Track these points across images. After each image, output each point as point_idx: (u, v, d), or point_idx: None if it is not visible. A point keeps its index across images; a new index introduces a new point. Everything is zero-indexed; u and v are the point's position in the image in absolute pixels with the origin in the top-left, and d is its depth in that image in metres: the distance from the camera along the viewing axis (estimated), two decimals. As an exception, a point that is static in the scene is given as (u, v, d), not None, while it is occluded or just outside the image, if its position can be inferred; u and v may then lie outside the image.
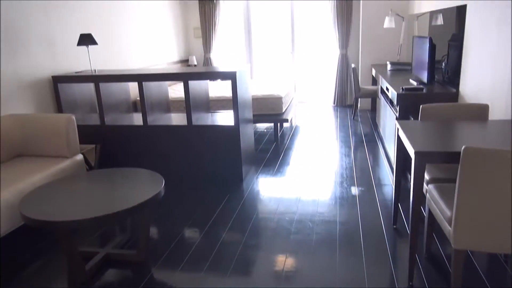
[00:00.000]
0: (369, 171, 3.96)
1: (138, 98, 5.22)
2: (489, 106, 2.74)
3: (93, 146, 4.30)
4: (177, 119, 4.12)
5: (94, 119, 4.20)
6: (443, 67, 4.14)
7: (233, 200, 3.46)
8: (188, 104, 3.72)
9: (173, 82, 6.62)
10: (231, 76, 3.59)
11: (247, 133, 4.03)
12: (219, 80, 6.49)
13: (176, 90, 5.80)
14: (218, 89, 5.76)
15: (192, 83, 3.79)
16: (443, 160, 2.01)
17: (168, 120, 4.08)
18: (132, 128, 3.95)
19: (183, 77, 3.67)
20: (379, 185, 3.61)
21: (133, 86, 5.12)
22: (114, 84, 4.15)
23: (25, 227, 3.07)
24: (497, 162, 1.74)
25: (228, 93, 5.29)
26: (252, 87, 5.67)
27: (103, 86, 3.95)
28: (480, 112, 2.71)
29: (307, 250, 2.62)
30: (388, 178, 3.78)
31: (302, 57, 7.55)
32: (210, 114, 4.30)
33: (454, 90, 3.64)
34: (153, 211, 3.31)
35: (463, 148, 1.78)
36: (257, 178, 3.97)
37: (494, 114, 2.81)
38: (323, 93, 7.68)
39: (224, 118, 4.11)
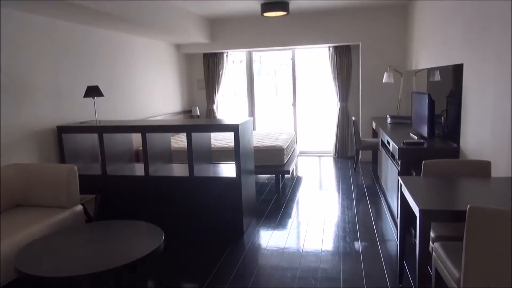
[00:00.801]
0: (372, 225, 3.90)
1: (141, 148, 5.26)
2: (491, 162, 2.74)
3: (94, 196, 4.27)
4: (179, 170, 4.12)
5: (96, 169, 4.21)
6: (442, 121, 4.20)
7: (234, 254, 3.37)
8: (191, 155, 3.74)
9: (176, 133, 6.70)
10: (234, 129, 3.63)
11: (249, 184, 4.02)
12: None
13: (179, 140, 5.86)
14: (221, 140, 5.82)
15: (195, 135, 3.83)
16: (448, 219, 1.98)
17: (169, 171, 4.08)
18: (133, 179, 3.94)
19: (187, 129, 3.72)
20: (383, 240, 3.54)
21: (136, 136, 5.17)
22: (117, 134, 4.20)
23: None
24: (502, 221, 1.71)
25: (231, 144, 5.33)
26: (254, 138, 5.73)
27: (106, 136, 3.99)
28: (482, 168, 2.71)
29: (310, 310, 2.52)
30: (391, 232, 3.71)
31: (303, 109, 7.70)
32: (212, 165, 4.31)
33: (455, 145, 3.67)
34: (152, 265, 3.22)
35: (468, 207, 1.76)
36: (258, 230, 3.90)
37: (497, 171, 2.81)
38: (324, 144, 7.75)
39: (226, 169, 4.11)
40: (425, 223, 2.01)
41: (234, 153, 3.68)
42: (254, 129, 7.75)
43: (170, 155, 4.35)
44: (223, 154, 5.19)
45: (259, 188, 5.46)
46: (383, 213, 4.26)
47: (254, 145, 5.22)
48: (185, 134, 6.03)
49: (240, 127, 3.66)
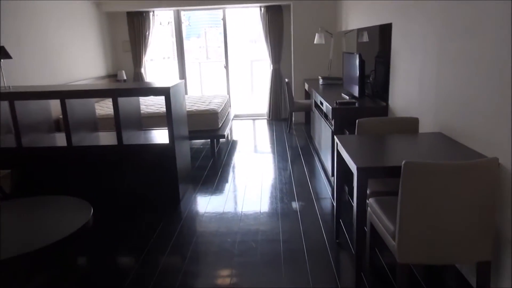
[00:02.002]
0: (308, 185, 3.97)
1: (61, 116, 4.81)
2: (419, 119, 2.86)
3: (9, 171, 3.85)
4: (106, 138, 3.83)
5: (10, 141, 3.77)
6: (372, 81, 4.32)
7: (171, 223, 3.26)
8: (118, 122, 3.47)
9: (101, 98, 6.22)
10: (164, 92, 3.41)
11: (183, 150, 3.86)
12: (151, 96, 6.22)
13: (104, 107, 5.45)
14: (151, 105, 5.51)
15: (122, 100, 3.55)
16: (385, 175, 2.02)
17: (96, 140, 3.78)
18: (54, 150, 3.59)
19: (112, 94, 3.42)
20: (319, 199, 3.63)
21: (55, 104, 4.70)
22: (32, 102, 3.76)
23: None
24: (436, 174, 1.77)
25: (162, 109, 5.07)
26: (187, 103, 5.50)
27: (19, 104, 3.56)
28: (410, 125, 2.82)
29: (252, 273, 2.51)
30: (326, 190, 3.81)
31: (236, 71, 7.54)
32: (142, 132, 4.06)
33: (384, 104, 3.79)
34: (83, 242, 3.00)
35: (403, 162, 1.80)
36: (195, 197, 3.80)
37: (423, 127, 2.94)
38: (258, 107, 7.72)
39: (158, 135, 3.90)
40: (363, 180, 2.04)
41: (166, 119, 3.48)
42: (186, 93, 7.47)
43: (95, 123, 4.02)
44: (154, 120, 4.93)
45: (194, 154, 5.31)
46: (317, 172, 4.35)
47: (187, 109, 5.01)
48: (111, 99, 5.62)
49: (171, 90, 3.44)
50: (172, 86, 3.49)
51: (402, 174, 1.81)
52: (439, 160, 2.09)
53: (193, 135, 4.93)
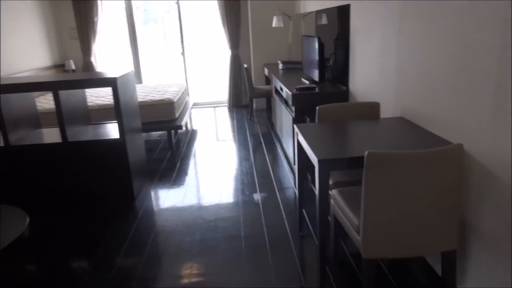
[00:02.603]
0: (270, 175, 3.84)
1: None
2: (380, 103, 2.77)
3: None
4: (50, 135, 3.51)
5: None
6: (331, 65, 4.21)
7: (126, 223, 3.03)
8: (61, 118, 3.17)
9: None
10: (111, 83, 3.14)
11: (136, 144, 3.61)
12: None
13: (50, 101, 5.05)
14: (102, 96, 5.17)
15: (65, 93, 3.24)
16: (347, 167, 1.90)
17: (37, 138, 3.45)
18: (-10, 150, 3.24)
19: (51, 87, 3.10)
20: (282, 189, 3.51)
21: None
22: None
23: None
24: (400, 164, 1.67)
25: (112, 101, 4.75)
26: (141, 93, 5.20)
27: None
28: (372, 110, 2.72)
29: (213, 273, 2.35)
30: (289, 179, 3.70)
31: (194, 58, 7.25)
32: (91, 127, 3.77)
33: (345, 88, 3.70)
34: (26, 253, 2.72)
35: (366, 153, 1.68)
36: (152, 193, 3.58)
37: (384, 112, 2.86)
38: (218, 95, 7.49)
39: (108, 130, 3.63)
40: (324, 173, 1.91)
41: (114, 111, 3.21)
42: (140, 82, 7.12)
43: (36, 119, 3.68)
44: (106, 112, 4.61)
45: (150, 146, 5.05)
46: (279, 160, 4.23)
47: (141, 100, 4.73)
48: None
49: (119, 81, 3.17)
50: (120, 76, 3.22)
51: (365, 166, 1.69)
52: (402, 147, 1.99)
53: (148, 127, 4.66)
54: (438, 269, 2.20)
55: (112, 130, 3.59)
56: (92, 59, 6.77)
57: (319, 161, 1.87)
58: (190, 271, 2.40)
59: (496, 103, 1.64)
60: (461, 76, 1.87)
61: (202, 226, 2.93)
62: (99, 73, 3.50)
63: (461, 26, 1.85)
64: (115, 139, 3.27)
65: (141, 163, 3.73)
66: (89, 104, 4.61)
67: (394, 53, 2.63)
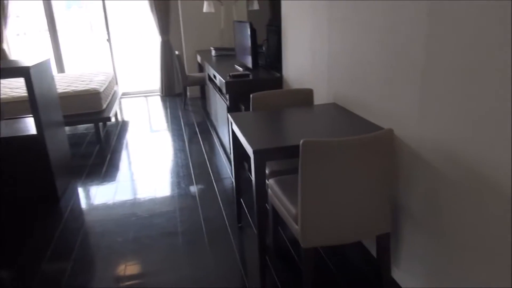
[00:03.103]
0: (207, 165, 3.74)
1: None
2: (313, 90, 2.77)
3: None
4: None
5: None
6: (264, 51, 4.17)
7: (49, 227, 2.78)
8: (-35, 113, 2.80)
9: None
10: (23, 73, 2.82)
11: (58, 139, 3.31)
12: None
13: (-46, 93, 4.47)
14: (16, 88, 4.68)
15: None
16: (283, 156, 1.86)
17: None
18: None
19: (-49, 78, 2.72)
20: (219, 179, 3.42)
21: None
22: None
23: None
24: (335, 151, 1.66)
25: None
26: (62, 83, 4.80)
27: None
28: (305, 96, 2.71)
29: (149, 273, 2.22)
30: (226, 169, 3.62)
31: (121, 45, 6.83)
32: (3, 122, 3.38)
33: (278, 75, 3.67)
34: None
35: (301, 142, 1.64)
36: (79, 191, 3.32)
37: (318, 98, 2.87)
38: (150, 83, 7.16)
39: (24, 125, 3.28)
40: (260, 163, 1.85)
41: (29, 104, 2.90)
42: (62, 71, 6.58)
43: None
44: (22, 106, 4.18)
45: (76, 141, 4.69)
46: (216, 150, 4.14)
47: (63, 90, 4.36)
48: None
49: (32, 70, 2.86)
50: (34, 65, 2.91)
51: (300, 154, 1.66)
52: (336, 134, 2.00)
53: (72, 120, 4.32)
54: (374, 251, 2.27)
55: (29, 125, 3.25)
56: (4, 46, 6.12)
57: (254, 151, 1.81)
58: (124, 274, 2.25)
59: (422, 89, 1.68)
60: (390, 63, 1.90)
61: (135, 224, 2.77)
62: (10, 61, 3.13)
63: (389, 13, 1.87)
64: (32, 135, 2.97)
65: (64, 160, 3.44)
66: (3, 96, 4.15)
67: (326, 40, 2.63)
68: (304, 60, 3.08)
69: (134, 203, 3.06)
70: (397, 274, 2.04)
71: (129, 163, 3.91)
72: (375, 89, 2.07)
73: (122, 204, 3.06)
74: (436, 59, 1.58)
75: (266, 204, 2.85)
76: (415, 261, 1.89)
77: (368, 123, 2.13)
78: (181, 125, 5.09)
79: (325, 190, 1.71)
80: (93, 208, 3.03)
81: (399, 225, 1.98)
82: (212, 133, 4.69)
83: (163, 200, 3.10)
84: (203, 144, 4.34)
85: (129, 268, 2.29)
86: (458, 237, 1.57)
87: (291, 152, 1.85)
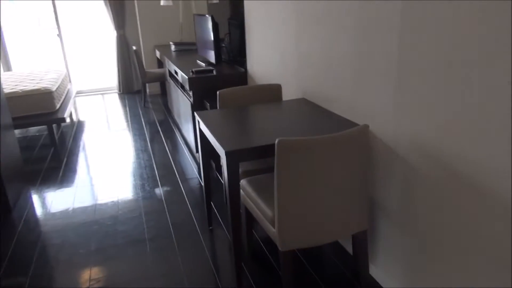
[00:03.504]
0: (172, 165, 3.59)
1: None
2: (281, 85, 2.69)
3: None
4: None
5: None
6: (226, 45, 4.05)
7: (1, 241, 2.54)
8: None
9: None
10: (-36, 73, 2.54)
11: (6, 143, 3.05)
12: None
13: None
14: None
15: None
16: (258, 156, 1.77)
17: None
18: None
19: None
20: (185, 180, 3.29)
21: None
22: None
23: None
24: (312, 150, 1.59)
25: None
26: (9, 82, 4.45)
27: None
28: (274, 92, 2.64)
29: (117, 285, 2.08)
30: (192, 169, 3.49)
31: (73, 40, 6.46)
32: None
33: (243, 70, 3.57)
34: None
35: (277, 141, 1.56)
36: (33, 200, 3.08)
37: (286, 93, 2.80)
38: (106, 80, 6.83)
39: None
40: (233, 165, 1.76)
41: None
42: (9, 69, 6.13)
43: None
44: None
45: (28, 144, 4.37)
46: (180, 149, 3.99)
47: (10, 90, 4.03)
48: None
49: (-26, 70, 2.59)
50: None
51: (276, 154, 1.58)
52: (310, 131, 1.93)
53: (23, 122, 4.01)
54: (350, 249, 2.24)
55: (-28, 130, 2.96)
56: None
57: (227, 153, 1.71)
58: (87, 289, 2.09)
59: (397, 83, 1.64)
60: (363, 58, 1.85)
61: (98, 232, 2.59)
62: None
63: (361, 6, 1.82)
64: (-23, 141, 2.70)
65: (15, 165, 3.18)
66: None
67: (294, 34, 2.56)
68: (270, 54, 3.00)
69: (96, 210, 2.87)
70: (375, 271, 2.02)
71: (88, 166, 3.68)
72: (348, 83, 2.02)
73: (83, 211, 2.86)
74: (410, 53, 1.54)
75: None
76: (392, 257, 1.87)
77: (340, 118, 2.08)
78: (142, 123, 4.88)
79: (302, 191, 1.64)
80: (50, 217, 2.81)
81: (376, 222, 1.95)
82: (175, 131, 4.52)
83: (127, 205, 2.93)
84: (166, 143, 4.17)
85: (93, 283, 2.13)
86: (435, 233, 1.55)
87: (265, 151, 1.76)
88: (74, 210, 2.89)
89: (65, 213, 2.85)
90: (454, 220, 1.46)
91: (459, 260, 1.46)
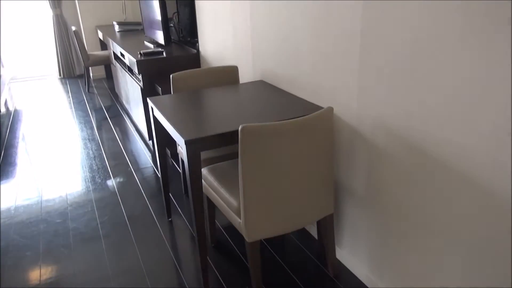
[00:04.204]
0: (123, 154, 3.39)
1: None
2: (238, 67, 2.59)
3: None
4: None
5: None
6: (175, 25, 3.84)
7: None
8: None
9: None
10: None
11: None
12: None
13: None
14: None
15: None
16: (219, 144, 1.68)
17: None
18: None
19: None
20: (139, 169, 3.12)
21: None
22: None
23: None
24: (278, 135, 1.52)
25: None
26: None
27: None
28: (231, 75, 2.53)
29: (69, 292, 1.93)
30: (145, 157, 3.32)
31: (4, 21, 5.88)
32: None
33: (195, 51, 3.41)
34: None
35: (240, 128, 1.47)
36: (-32, 201, 2.79)
37: (243, 75, 2.70)
38: (44, 64, 6.31)
39: None
40: (195, 155, 1.65)
41: None
42: None
43: None
44: None
45: (-42, 137, 3.95)
46: (131, 136, 3.78)
47: None
48: None
49: None
50: None
51: (240, 141, 1.49)
52: (272, 114, 1.86)
53: (-51, 113, 3.60)
54: (314, 233, 2.22)
55: None
56: None
57: (187, 142, 1.59)
58: (38, 295, 1.92)
59: (360, 62, 1.60)
60: (324, 35, 1.79)
61: (46, 232, 2.39)
62: None
63: (319, -19, 1.74)
64: None
65: None
66: None
67: (248, 13, 2.44)
68: (224, 35, 2.86)
69: (42, 207, 2.65)
70: (341, 254, 2.02)
71: (30, 159, 3.39)
72: (308, 64, 1.96)
73: (27, 210, 2.63)
74: (374, 30, 1.50)
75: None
76: (359, 240, 1.87)
77: (302, 101, 2.02)
78: (87, 110, 4.57)
79: (267, 178, 1.58)
80: (-11, 218, 2.56)
81: (341, 205, 1.94)
82: (125, 118, 4.28)
83: (77, 199, 2.73)
84: (115, 130, 3.94)
85: (44, 287, 1.96)
86: (401, 215, 1.56)
87: (228, 139, 1.67)
88: (16, 208, 2.65)
89: (7, 212, 2.60)
90: (420, 199, 1.46)
91: (426, 240, 1.48)
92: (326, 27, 1.76)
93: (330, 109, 1.65)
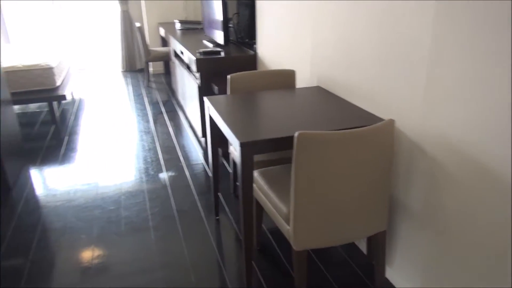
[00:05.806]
0: (176, 149, 3.48)
1: None
2: (295, 71, 2.57)
3: None
4: None
5: None
6: (234, 26, 3.89)
7: (0, 222, 2.46)
8: None
9: None
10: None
11: (5, 119, 2.93)
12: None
13: None
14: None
15: None
16: (274, 149, 1.67)
17: None
18: None
19: None
20: (190, 165, 3.19)
21: None
22: None
23: None
24: (334, 145, 1.49)
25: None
26: (8, 56, 4.30)
27: None
28: (288, 79, 2.51)
29: (118, 277, 2.00)
30: (197, 153, 3.39)
31: (75, 13, 6.25)
32: None
33: (253, 53, 3.43)
34: None
35: (296, 134, 1.45)
36: (33, 179, 2.98)
37: (300, 80, 2.68)
38: (109, 57, 6.65)
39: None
40: (248, 158, 1.65)
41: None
42: (7, 41, 5.96)
43: None
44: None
45: (28, 120, 4.26)
46: (184, 132, 3.88)
47: (10, 65, 3.89)
48: None
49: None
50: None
51: (295, 149, 1.47)
52: (329, 122, 1.82)
53: (23, 97, 3.88)
54: (364, 248, 2.16)
55: (-30, 106, 2.84)
56: None
57: (242, 144, 1.60)
58: (89, 278, 2.01)
59: (428, 72, 1.53)
60: (388, 42, 1.73)
61: (100, 218, 2.50)
62: None
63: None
64: (-25, 119, 2.59)
65: (14, 142, 3.07)
66: None
67: (310, 16, 2.42)
68: (282, 37, 2.86)
69: (98, 193, 2.78)
70: (390, 273, 1.94)
71: (90, 146, 3.57)
72: (368, 72, 1.90)
73: (84, 194, 2.77)
74: (445, 38, 1.42)
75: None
76: (410, 259, 1.79)
77: (359, 110, 1.97)
78: (144, 103, 4.75)
79: (320, 188, 1.55)
80: (51, 198, 2.72)
81: (395, 222, 1.87)
82: (179, 113, 4.40)
83: (130, 189, 2.84)
84: (170, 125, 4.06)
85: (94, 271, 2.05)
86: (460, 236, 1.46)
87: (282, 144, 1.66)
88: (75, 191, 2.80)
89: (66, 195, 2.76)
90: (481, 223, 1.37)
91: (486, 266, 1.38)
92: (391, 33, 1.70)
93: (391, 122, 1.59)
